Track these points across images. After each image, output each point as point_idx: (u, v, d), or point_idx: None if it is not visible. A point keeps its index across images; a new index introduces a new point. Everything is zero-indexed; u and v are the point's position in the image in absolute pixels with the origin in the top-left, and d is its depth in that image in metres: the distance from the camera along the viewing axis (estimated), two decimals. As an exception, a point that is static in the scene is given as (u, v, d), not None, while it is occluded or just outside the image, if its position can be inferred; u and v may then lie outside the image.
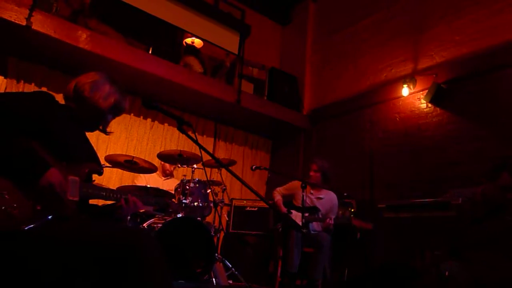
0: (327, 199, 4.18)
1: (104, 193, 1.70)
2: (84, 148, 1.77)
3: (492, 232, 2.54)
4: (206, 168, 4.50)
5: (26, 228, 1.35)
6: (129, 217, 3.42)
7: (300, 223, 3.55)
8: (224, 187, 4.47)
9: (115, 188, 3.74)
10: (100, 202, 2.11)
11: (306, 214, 3.77)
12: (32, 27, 3.70)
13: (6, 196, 1.36)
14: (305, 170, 5.64)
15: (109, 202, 1.80)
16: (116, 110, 1.83)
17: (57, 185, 1.45)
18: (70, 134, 1.69)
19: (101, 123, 1.83)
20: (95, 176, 1.83)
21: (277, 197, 4.33)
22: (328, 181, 4.20)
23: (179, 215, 3.33)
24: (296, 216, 3.87)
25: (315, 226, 4.10)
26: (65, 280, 1.35)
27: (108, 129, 1.91)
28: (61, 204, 1.48)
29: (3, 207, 1.34)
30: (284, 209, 4.08)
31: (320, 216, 4.05)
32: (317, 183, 4.13)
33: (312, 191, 4.21)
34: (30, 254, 1.35)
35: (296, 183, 4.25)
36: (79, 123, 1.79)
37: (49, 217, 1.44)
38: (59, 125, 1.64)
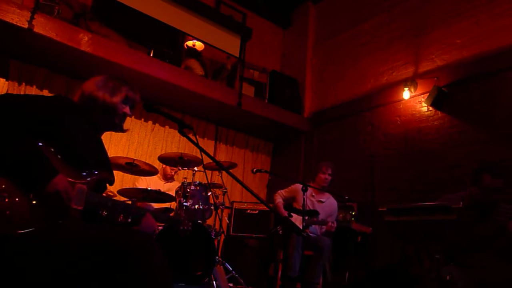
0: (327, 203, 4.18)
1: (110, 204, 1.67)
2: (96, 156, 1.76)
3: (485, 234, 2.56)
4: (207, 171, 4.50)
5: (21, 232, 1.33)
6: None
7: (301, 226, 3.55)
8: (225, 190, 4.47)
9: (116, 191, 3.77)
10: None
11: (306, 217, 3.77)
12: (34, 29, 3.71)
13: (6, 199, 1.35)
14: (308, 172, 5.66)
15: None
16: (128, 101, 1.83)
17: (63, 192, 1.44)
18: (84, 141, 1.68)
19: (116, 118, 1.80)
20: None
21: (278, 199, 4.32)
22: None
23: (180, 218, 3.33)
24: (296, 219, 3.87)
25: (314, 229, 4.09)
26: (64, 283, 1.35)
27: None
28: (64, 211, 1.46)
29: (1, 210, 1.32)
30: (284, 212, 4.08)
31: (320, 219, 4.05)
32: (324, 186, 4.15)
33: (313, 194, 4.21)
34: (25, 258, 1.33)
35: (298, 186, 4.26)
36: (96, 127, 1.80)
37: (49, 222, 1.42)
38: (76, 131, 1.63)
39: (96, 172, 1.66)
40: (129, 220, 1.74)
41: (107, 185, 1.82)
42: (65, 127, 1.59)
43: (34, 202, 1.40)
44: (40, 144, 1.50)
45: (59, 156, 1.54)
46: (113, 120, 1.80)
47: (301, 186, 4.13)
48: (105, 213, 1.65)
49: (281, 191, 4.41)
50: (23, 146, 1.41)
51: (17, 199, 1.37)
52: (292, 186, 4.38)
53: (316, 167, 4.36)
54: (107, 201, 1.68)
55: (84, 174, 1.62)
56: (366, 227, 3.85)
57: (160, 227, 3.19)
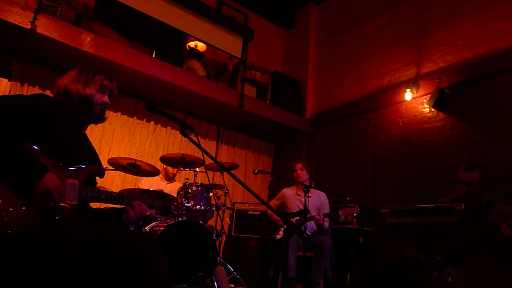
0: (315, 196, 4.22)
1: (103, 196, 1.68)
2: (84, 150, 1.77)
3: (479, 234, 2.55)
4: (208, 172, 4.50)
5: (17, 233, 1.34)
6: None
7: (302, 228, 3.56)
8: (226, 191, 4.47)
9: (117, 191, 3.77)
10: (103, 206, 2.09)
11: (297, 218, 3.82)
12: (37, 30, 3.72)
13: (0, 202, 1.35)
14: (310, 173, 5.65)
15: (114, 206, 1.79)
16: (105, 90, 1.81)
17: (54, 190, 1.44)
18: (70, 136, 1.69)
19: (95, 109, 1.78)
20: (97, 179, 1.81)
21: (270, 210, 4.38)
22: (313, 180, 4.41)
23: (181, 219, 3.33)
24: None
25: (309, 226, 4.10)
26: (63, 284, 1.35)
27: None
28: (58, 209, 1.47)
29: None
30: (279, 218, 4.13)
31: (313, 215, 4.08)
32: (304, 181, 4.20)
33: (299, 193, 4.25)
34: (23, 259, 1.33)
35: (284, 191, 4.42)
36: (78, 122, 1.79)
37: (44, 221, 1.42)
38: (60, 127, 1.64)
39: (85, 166, 1.66)
40: (122, 208, 1.75)
41: (99, 178, 1.82)
42: (49, 125, 1.59)
43: (27, 203, 1.40)
44: (28, 143, 1.51)
45: (46, 154, 1.55)
46: (92, 112, 1.78)
47: (286, 190, 4.40)
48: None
49: (271, 201, 4.50)
50: (10, 148, 1.41)
51: (10, 201, 1.37)
52: (279, 193, 4.48)
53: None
54: (100, 193, 1.68)
55: (74, 169, 1.62)
56: (352, 209, 3.95)
57: (162, 228, 3.19)
